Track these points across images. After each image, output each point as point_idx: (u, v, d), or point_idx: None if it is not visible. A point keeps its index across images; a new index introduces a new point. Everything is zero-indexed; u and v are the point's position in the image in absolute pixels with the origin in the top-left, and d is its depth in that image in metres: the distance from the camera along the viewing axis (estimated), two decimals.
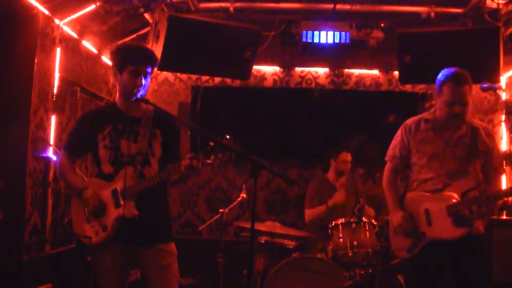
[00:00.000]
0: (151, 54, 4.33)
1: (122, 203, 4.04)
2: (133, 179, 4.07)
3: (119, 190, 4.07)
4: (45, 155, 5.91)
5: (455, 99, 4.47)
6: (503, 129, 8.01)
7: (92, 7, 5.98)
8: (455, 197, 4.43)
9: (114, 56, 4.25)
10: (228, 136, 3.83)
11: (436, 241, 4.47)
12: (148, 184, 4.04)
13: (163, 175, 4.04)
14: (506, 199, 4.36)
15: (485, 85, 4.40)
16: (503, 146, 7.93)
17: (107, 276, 4.21)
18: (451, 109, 4.50)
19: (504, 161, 7.53)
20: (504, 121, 7.84)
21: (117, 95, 4.34)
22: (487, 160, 4.61)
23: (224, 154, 3.83)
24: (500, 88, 4.66)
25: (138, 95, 4.06)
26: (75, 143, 4.36)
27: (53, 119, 6.07)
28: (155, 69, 5.44)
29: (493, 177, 4.66)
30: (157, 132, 4.26)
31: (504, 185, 7.16)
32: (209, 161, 3.87)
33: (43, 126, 5.88)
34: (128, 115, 4.18)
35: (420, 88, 8.31)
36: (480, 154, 4.58)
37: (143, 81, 4.09)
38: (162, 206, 4.38)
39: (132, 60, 4.11)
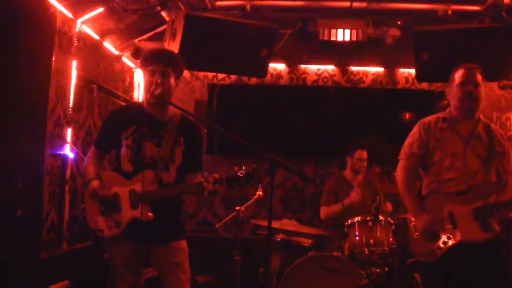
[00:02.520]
0: (169, 54, 4.48)
1: (139, 205, 4.10)
2: (153, 184, 4.16)
3: (138, 192, 4.13)
4: (62, 153, 5.94)
5: (466, 78, 4.51)
6: None
7: (109, 5, 6.00)
8: (480, 199, 4.37)
9: (140, 60, 4.42)
10: (253, 165, 4.02)
11: (460, 244, 4.36)
12: (167, 194, 4.19)
13: (184, 189, 4.29)
14: None
15: (503, 83, 4.38)
16: None
17: (120, 271, 4.30)
18: (464, 89, 4.51)
19: None
20: None
21: (144, 96, 4.41)
22: (503, 163, 4.57)
23: (248, 183, 3.98)
24: None
25: (157, 95, 4.13)
26: (102, 139, 4.52)
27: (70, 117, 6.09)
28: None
29: (509, 180, 4.60)
30: (181, 140, 4.33)
31: None
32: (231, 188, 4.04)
33: (60, 124, 5.90)
34: (153, 118, 4.29)
35: (436, 86, 8.27)
36: (498, 155, 4.54)
37: (159, 79, 4.17)
38: (175, 206, 4.46)
39: (150, 60, 4.26)
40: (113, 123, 4.41)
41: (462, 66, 4.59)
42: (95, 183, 4.24)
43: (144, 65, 4.30)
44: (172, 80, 4.28)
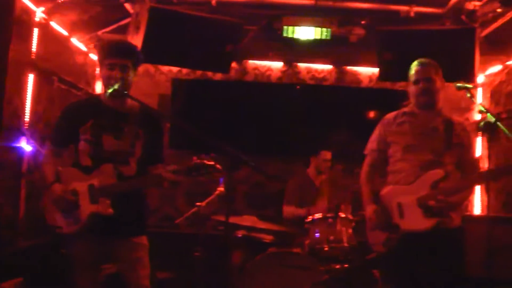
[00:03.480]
0: (129, 47, 4.37)
1: (97, 199, 4.05)
2: (113, 178, 4.10)
3: (96, 186, 4.07)
4: (18, 146, 5.82)
5: (419, 75, 4.62)
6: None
7: None
8: (425, 188, 4.45)
9: (97, 51, 4.40)
10: (212, 155, 4.00)
11: (410, 234, 4.47)
12: (127, 188, 4.12)
13: (144, 183, 4.23)
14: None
15: (459, 85, 4.47)
16: (479, 141, 8.10)
17: (80, 267, 4.23)
18: (417, 86, 4.63)
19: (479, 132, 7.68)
20: (478, 122, 7.99)
21: (103, 89, 4.32)
22: (463, 154, 4.63)
23: (207, 172, 3.97)
24: (474, 87, 4.73)
25: (116, 86, 4.08)
26: (58, 135, 4.35)
27: (28, 108, 5.99)
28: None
29: (470, 172, 4.65)
30: (140, 133, 4.27)
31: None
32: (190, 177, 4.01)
33: (17, 116, 5.78)
34: (114, 110, 4.22)
35: (400, 85, 8.35)
36: (453, 147, 4.60)
37: (119, 74, 4.11)
38: (137, 201, 4.39)
39: (109, 54, 4.17)
40: (70, 118, 4.28)
41: (415, 63, 4.72)
42: (57, 188, 4.14)
43: (102, 59, 4.22)
44: (131, 73, 4.22)
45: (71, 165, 4.27)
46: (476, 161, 4.76)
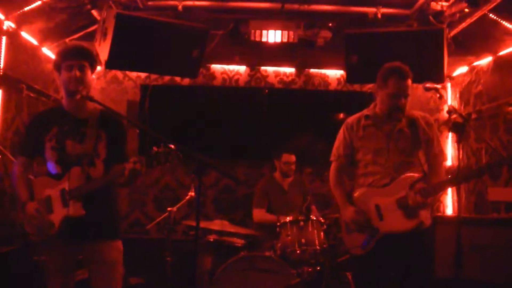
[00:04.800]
0: (84, 49, 4.38)
1: (69, 202, 4.07)
2: (81, 180, 4.14)
3: (67, 189, 4.10)
4: None
5: (399, 91, 4.58)
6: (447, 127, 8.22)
7: (38, 3, 5.88)
8: (403, 190, 4.48)
9: (54, 60, 4.35)
10: (172, 146, 3.97)
11: (389, 235, 4.50)
12: (94, 186, 4.14)
13: (108, 178, 4.20)
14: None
15: (428, 86, 4.48)
16: (449, 141, 8.20)
17: (53, 273, 4.23)
18: (395, 102, 4.60)
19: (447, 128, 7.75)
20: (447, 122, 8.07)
21: (63, 97, 4.37)
22: (429, 148, 4.69)
23: (167, 160, 3.98)
24: (442, 88, 4.76)
25: (80, 91, 4.11)
26: (27, 145, 4.41)
27: None
28: (101, 67, 5.45)
29: (435, 164, 4.72)
30: (102, 134, 4.31)
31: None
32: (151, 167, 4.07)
33: None
34: (73, 116, 4.28)
35: (368, 87, 8.40)
36: (422, 144, 4.66)
37: (78, 73, 4.15)
38: (110, 204, 4.42)
39: (66, 56, 4.23)
40: (36, 128, 4.36)
41: (395, 72, 4.63)
42: (30, 208, 4.18)
43: (59, 63, 4.24)
44: (89, 74, 4.26)
45: (43, 175, 4.31)
46: (442, 153, 4.78)
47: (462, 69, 8.06)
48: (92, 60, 4.31)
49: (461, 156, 4.26)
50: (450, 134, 8.19)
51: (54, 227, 4.12)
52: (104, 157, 4.30)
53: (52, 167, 4.24)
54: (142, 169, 4.02)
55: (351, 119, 4.92)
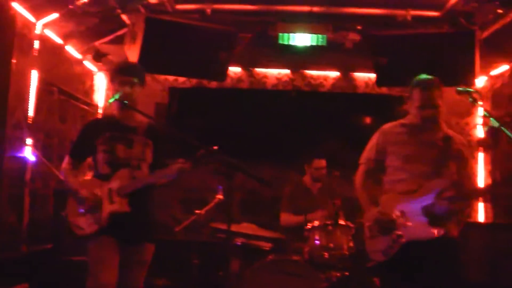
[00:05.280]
0: (134, 67, 5.02)
1: (116, 200, 4.46)
2: (127, 180, 4.53)
3: (114, 188, 4.48)
4: (21, 155, 5.93)
5: (425, 102, 4.57)
6: (478, 132, 8.11)
7: (70, 8, 5.95)
8: (430, 198, 4.44)
9: (109, 72, 4.94)
10: (215, 147, 4.37)
11: (412, 242, 4.44)
12: (139, 184, 4.52)
13: (151, 178, 4.61)
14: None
15: (460, 89, 4.42)
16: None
17: (96, 268, 4.44)
18: (422, 113, 4.59)
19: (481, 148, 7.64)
20: (482, 124, 7.96)
21: (115, 107, 4.75)
22: (461, 167, 4.63)
23: (209, 161, 4.42)
24: (475, 91, 4.69)
25: (119, 99, 4.55)
26: (78, 149, 4.79)
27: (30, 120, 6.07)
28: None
29: (468, 184, 4.67)
30: (149, 142, 4.73)
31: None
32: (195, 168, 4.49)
33: (20, 127, 5.86)
34: (124, 124, 4.69)
35: (396, 91, 8.34)
36: (453, 158, 4.60)
37: (128, 89, 4.59)
38: (151, 207, 4.79)
39: (119, 72, 4.70)
40: (89, 133, 4.72)
41: (418, 84, 4.62)
42: (84, 191, 4.53)
43: (113, 78, 4.71)
44: (137, 89, 4.69)
45: (92, 176, 4.70)
46: (473, 176, 4.72)
47: (494, 72, 7.94)
48: (141, 77, 4.78)
49: (493, 168, 4.21)
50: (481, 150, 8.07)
51: (100, 223, 4.44)
52: (149, 163, 4.71)
53: (101, 168, 4.59)
54: (189, 169, 4.46)
55: (387, 125, 4.89)
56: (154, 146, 4.74)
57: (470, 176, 4.76)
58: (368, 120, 8.46)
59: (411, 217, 4.50)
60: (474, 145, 7.68)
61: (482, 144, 7.51)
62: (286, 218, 7.01)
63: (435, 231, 4.39)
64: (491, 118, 4.39)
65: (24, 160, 5.99)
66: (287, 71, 8.72)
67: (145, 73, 4.88)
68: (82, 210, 4.51)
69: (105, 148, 4.58)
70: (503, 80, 7.75)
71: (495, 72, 7.96)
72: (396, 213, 4.56)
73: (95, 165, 4.65)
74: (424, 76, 4.66)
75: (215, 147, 4.37)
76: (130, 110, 4.63)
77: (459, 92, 4.46)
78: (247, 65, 8.61)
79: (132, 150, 4.63)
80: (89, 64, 7.94)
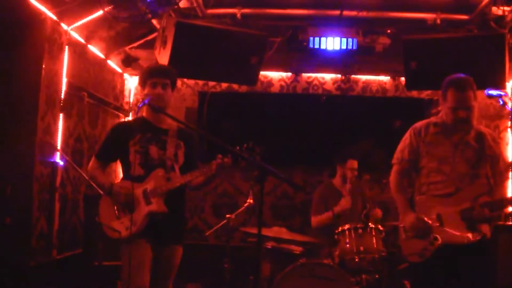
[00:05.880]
0: (166, 68, 4.99)
1: (152, 200, 4.46)
2: (162, 181, 4.53)
3: (150, 189, 4.49)
4: (52, 160, 5.96)
5: (458, 104, 4.53)
6: (509, 135, 8.03)
7: (99, 12, 5.99)
8: (468, 201, 4.43)
9: (139, 76, 4.85)
10: (249, 144, 4.44)
11: (447, 245, 4.44)
12: (177, 183, 4.52)
13: (187, 177, 4.55)
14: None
15: (490, 92, 4.40)
16: (509, 152, 7.96)
17: (132, 272, 4.40)
18: (456, 114, 4.56)
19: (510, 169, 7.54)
20: (510, 127, 7.85)
21: (145, 109, 4.77)
22: (493, 165, 4.62)
23: (250, 157, 4.35)
24: (505, 95, 4.67)
25: (153, 103, 4.55)
26: (107, 150, 4.79)
27: (60, 124, 6.13)
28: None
29: (499, 182, 4.67)
30: (181, 144, 4.74)
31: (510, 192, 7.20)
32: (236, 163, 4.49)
33: (50, 131, 5.91)
34: (156, 126, 4.71)
35: (426, 94, 8.31)
36: (488, 158, 4.59)
37: (161, 90, 4.60)
38: (183, 209, 4.87)
39: (151, 74, 4.70)
40: (118, 134, 4.73)
41: (452, 84, 4.58)
42: (117, 185, 4.55)
43: (144, 80, 4.69)
44: (169, 91, 4.71)
45: (125, 178, 4.68)
46: (504, 172, 4.69)
47: None
48: (173, 79, 4.80)
49: None
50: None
51: (136, 224, 4.43)
52: (182, 164, 4.70)
53: (134, 169, 4.54)
54: (230, 163, 4.48)
55: (419, 124, 4.86)
56: (185, 148, 4.74)
57: (502, 173, 4.70)
58: (398, 123, 8.43)
59: (448, 220, 4.49)
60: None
61: None
62: (316, 220, 7.00)
63: (471, 236, 4.39)
64: None
65: (54, 165, 6.02)
66: (317, 75, 8.72)
67: (176, 76, 4.87)
68: (117, 213, 4.49)
69: (138, 149, 4.56)
70: None
71: None
72: (433, 216, 4.55)
73: (127, 167, 4.62)
74: (458, 75, 4.63)
75: (251, 142, 4.42)
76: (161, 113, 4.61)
77: (490, 96, 4.45)
78: (277, 69, 8.62)
79: (166, 152, 4.61)
80: (118, 68, 8.01)
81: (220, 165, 4.47)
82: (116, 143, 4.68)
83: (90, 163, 4.77)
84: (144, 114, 4.80)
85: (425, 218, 4.56)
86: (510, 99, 7.68)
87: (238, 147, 4.40)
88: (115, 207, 4.52)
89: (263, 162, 4.13)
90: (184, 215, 4.91)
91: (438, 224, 4.51)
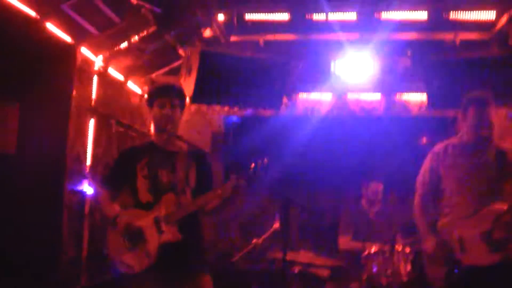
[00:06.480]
0: (175, 87, 4.51)
1: (164, 228, 4.10)
2: (174, 206, 4.16)
3: (161, 216, 4.13)
4: (81, 188, 6.04)
5: (479, 121, 4.53)
6: None
7: (126, 43, 6.12)
8: (488, 223, 4.40)
9: (147, 96, 4.56)
10: (266, 160, 4.10)
11: (472, 268, 4.41)
12: (188, 211, 4.15)
13: (200, 201, 4.17)
14: None
15: None
16: None
17: None
18: (477, 133, 4.55)
19: None
20: None
21: (153, 131, 4.54)
22: None
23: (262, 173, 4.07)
24: None
25: (168, 130, 4.27)
26: (113, 178, 4.53)
27: (89, 152, 6.24)
28: (187, 102, 5.65)
29: None
30: (193, 164, 4.40)
31: None
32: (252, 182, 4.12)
33: (80, 160, 5.99)
34: (164, 149, 4.37)
35: (449, 112, 8.31)
36: (509, 176, 4.56)
37: (170, 111, 4.29)
38: (199, 235, 4.43)
39: (159, 93, 4.38)
40: (126, 159, 4.46)
41: (472, 102, 4.59)
42: (123, 218, 4.23)
43: (152, 99, 4.39)
44: (178, 111, 4.40)
45: (132, 207, 4.34)
46: None
47: None
48: (182, 98, 4.49)
49: None
50: None
51: (150, 257, 4.09)
52: (193, 187, 4.35)
53: (143, 195, 4.26)
54: (244, 184, 4.11)
55: (438, 147, 4.86)
56: (197, 169, 4.41)
57: None
58: (423, 141, 8.43)
59: (469, 242, 4.45)
60: None
61: None
62: (344, 241, 7.00)
63: (495, 257, 4.35)
64: None
65: (83, 193, 6.08)
66: (340, 97, 8.75)
67: (185, 94, 4.59)
68: (127, 245, 4.17)
69: (146, 174, 4.27)
70: None
71: None
72: (454, 239, 4.54)
73: (135, 193, 4.30)
74: (477, 91, 4.64)
75: (266, 160, 4.10)
76: (169, 135, 4.31)
77: None
78: (301, 92, 8.66)
79: (175, 175, 4.29)
80: (146, 95, 8.10)
81: (235, 186, 4.10)
82: (122, 170, 4.41)
83: (99, 194, 4.63)
84: (151, 136, 4.59)
85: (446, 242, 4.56)
86: None
87: (253, 164, 4.09)
88: (125, 239, 4.19)
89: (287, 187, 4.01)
90: (202, 240, 4.45)
91: (459, 247, 4.50)
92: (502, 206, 4.44)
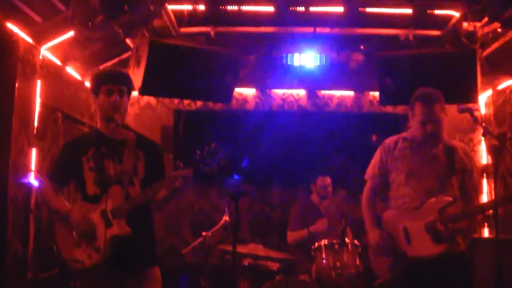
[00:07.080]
0: (122, 74, 4.43)
1: (112, 222, 4.02)
2: (121, 199, 4.10)
3: (108, 210, 4.04)
4: (26, 182, 5.86)
5: (426, 117, 4.56)
6: (482, 148, 8.12)
7: (72, 33, 5.95)
8: (432, 214, 4.44)
9: (90, 83, 4.39)
10: (213, 145, 4.06)
11: (417, 259, 4.46)
12: (135, 203, 4.08)
13: (148, 193, 4.08)
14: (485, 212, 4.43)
15: (461, 107, 4.45)
16: (483, 161, 8.07)
17: None
18: (424, 128, 4.59)
19: (484, 174, 7.61)
20: (484, 139, 7.93)
21: (98, 120, 4.38)
22: (466, 179, 4.64)
23: (214, 162, 4.02)
24: (476, 109, 4.72)
25: (116, 119, 4.13)
26: (59, 171, 4.39)
27: (34, 151, 6.04)
28: (137, 93, 5.53)
29: (474, 196, 4.69)
30: (140, 154, 4.31)
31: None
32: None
33: (24, 153, 5.83)
34: (110, 138, 4.24)
35: (401, 109, 8.37)
36: (456, 172, 4.61)
37: (118, 98, 4.17)
38: (149, 228, 4.38)
39: (105, 80, 4.24)
40: (71, 151, 4.34)
41: (419, 98, 4.62)
42: (75, 213, 4.13)
43: (98, 85, 4.25)
44: (126, 99, 4.29)
45: (79, 200, 4.25)
46: (478, 186, 4.74)
47: (496, 89, 7.96)
48: (130, 85, 4.37)
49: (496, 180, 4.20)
50: (485, 155, 8.08)
51: (99, 251, 4.02)
52: (142, 177, 4.26)
53: (90, 188, 4.18)
54: (190, 173, 4.05)
55: (389, 140, 4.90)
56: (146, 157, 4.32)
57: (476, 187, 4.76)
58: (373, 138, 8.47)
59: (414, 234, 4.51)
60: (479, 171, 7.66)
61: (485, 170, 7.52)
62: (292, 235, 7.02)
63: (439, 249, 4.39)
64: (493, 136, 4.40)
65: (28, 187, 5.90)
66: (292, 92, 8.74)
67: (132, 81, 4.51)
68: (76, 240, 4.07)
69: (91, 165, 4.16)
70: (504, 97, 7.76)
71: (497, 89, 7.97)
72: (400, 231, 4.58)
73: (83, 186, 4.19)
74: (424, 88, 4.67)
75: (213, 145, 4.06)
76: (117, 124, 4.15)
77: (462, 111, 4.49)
78: (252, 87, 8.64)
79: (122, 165, 4.19)
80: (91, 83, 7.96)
81: (183, 177, 4.03)
82: (68, 162, 4.28)
83: (43, 184, 4.49)
84: (98, 125, 4.38)
85: (391, 234, 4.60)
86: (481, 116, 7.81)
87: (198, 152, 4.05)
88: (74, 233, 4.09)
89: (226, 166, 4.00)
90: (152, 233, 4.41)
91: (404, 239, 4.54)
92: (447, 198, 4.48)
